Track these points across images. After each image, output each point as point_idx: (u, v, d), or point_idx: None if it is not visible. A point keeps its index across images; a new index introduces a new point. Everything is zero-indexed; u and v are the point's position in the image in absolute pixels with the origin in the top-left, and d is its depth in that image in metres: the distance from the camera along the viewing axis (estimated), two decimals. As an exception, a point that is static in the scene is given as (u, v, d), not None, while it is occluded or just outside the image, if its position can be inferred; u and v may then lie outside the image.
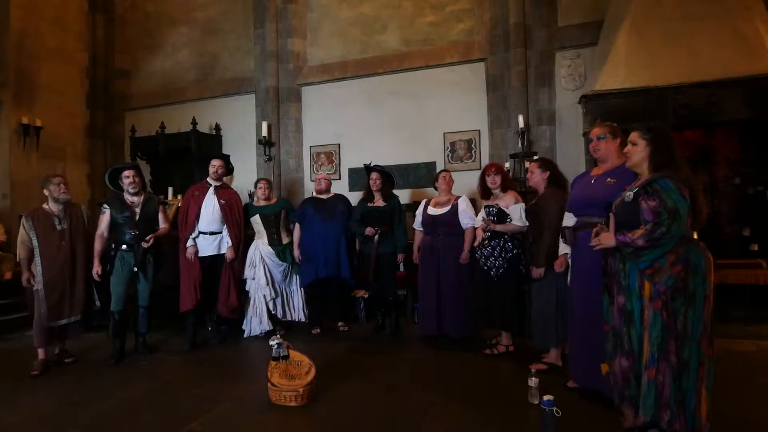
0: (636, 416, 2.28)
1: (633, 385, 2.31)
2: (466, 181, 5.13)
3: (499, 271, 3.75)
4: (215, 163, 4.61)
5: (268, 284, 4.68)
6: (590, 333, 2.75)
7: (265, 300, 4.68)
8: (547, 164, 3.62)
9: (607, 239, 2.36)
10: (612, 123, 2.95)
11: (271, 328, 4.63)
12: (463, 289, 4.06)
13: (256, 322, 4.68)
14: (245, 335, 4.66)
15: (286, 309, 4.83)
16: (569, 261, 3.10)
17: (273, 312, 4.74)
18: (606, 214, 2.51)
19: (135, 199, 4.14)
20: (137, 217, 4.09)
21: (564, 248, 3.14)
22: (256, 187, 4.91)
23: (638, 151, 2.36)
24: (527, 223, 3.68)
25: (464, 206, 4.15)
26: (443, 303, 4.13)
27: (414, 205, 5.70)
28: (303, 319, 4.85)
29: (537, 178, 3.54)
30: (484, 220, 3.82)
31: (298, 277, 4.85)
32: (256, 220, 4.77)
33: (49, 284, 3.82)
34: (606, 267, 2.46)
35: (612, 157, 2.83)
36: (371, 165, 4.77)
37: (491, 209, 3.82)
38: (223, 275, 4.47)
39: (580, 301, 2.91)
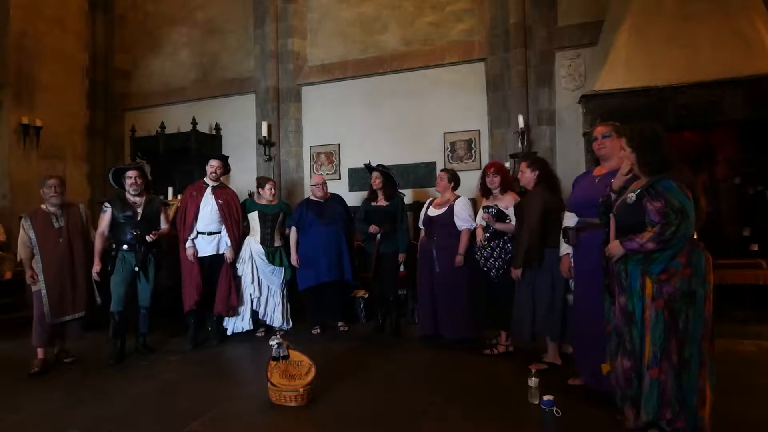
0: (637, 417, 2.28)
1: (634, 386, 2.30)
2: (465, 182, 5.12)
3: (499, 272, 3.76)
4: (213, 164, 4.56)
5: (253, 282, 4.65)
6: (594, 333, 2.74)
7: (251, 298, 4.67)
8: (537, 163, 3.62)
9: (616, 249, 2.32)
10: (615, 122, 2.96)
11: (252, 327, 4.66)
12: (457, 291, 4.04)
13: (238, 320, 4.67)
14: (228, 332, 4.66)
15: (267, 311, 4.75)
16: (571, 261, 3.09)
17: (256, 310, 4.71)
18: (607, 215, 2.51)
19: (137, 199, 4.14)
20: (138, 218, 4.08)
21: (566, 249, 3.13)
22: (263, 186, 4.79)
23: (630, 156, 2.36)
24: None
25: (459, 207, 4.09)
26: (437, 304, 4.12)
27: (414, 205, 5.71)
28: (282, 325, 4.72)
29: (527, 177, 3.55)
30: (485, 216, 3.82)
31: (284, 281, 4.77)
32: (254, 217, 4.72)
33: (50, 281, 3.81)
34: (607, 267, 2.45)
35: (616, 155, 2.82)
36: (369, 164, 4.76)
37: (490, 210, 3.82)
38: (223, 275, 4.46)
39: (583, 301, 2.91)
